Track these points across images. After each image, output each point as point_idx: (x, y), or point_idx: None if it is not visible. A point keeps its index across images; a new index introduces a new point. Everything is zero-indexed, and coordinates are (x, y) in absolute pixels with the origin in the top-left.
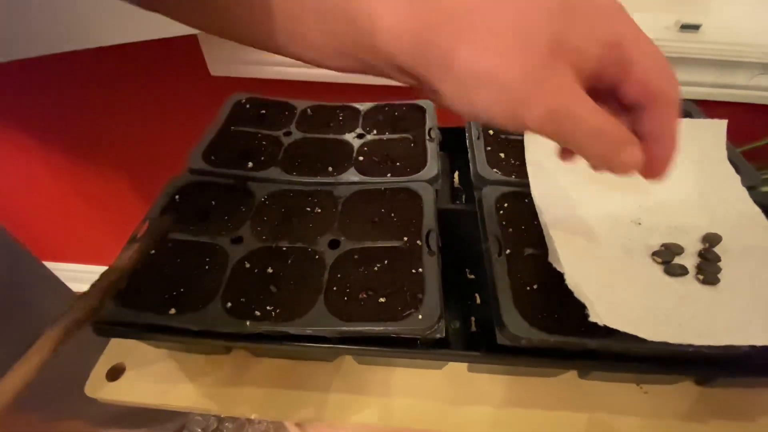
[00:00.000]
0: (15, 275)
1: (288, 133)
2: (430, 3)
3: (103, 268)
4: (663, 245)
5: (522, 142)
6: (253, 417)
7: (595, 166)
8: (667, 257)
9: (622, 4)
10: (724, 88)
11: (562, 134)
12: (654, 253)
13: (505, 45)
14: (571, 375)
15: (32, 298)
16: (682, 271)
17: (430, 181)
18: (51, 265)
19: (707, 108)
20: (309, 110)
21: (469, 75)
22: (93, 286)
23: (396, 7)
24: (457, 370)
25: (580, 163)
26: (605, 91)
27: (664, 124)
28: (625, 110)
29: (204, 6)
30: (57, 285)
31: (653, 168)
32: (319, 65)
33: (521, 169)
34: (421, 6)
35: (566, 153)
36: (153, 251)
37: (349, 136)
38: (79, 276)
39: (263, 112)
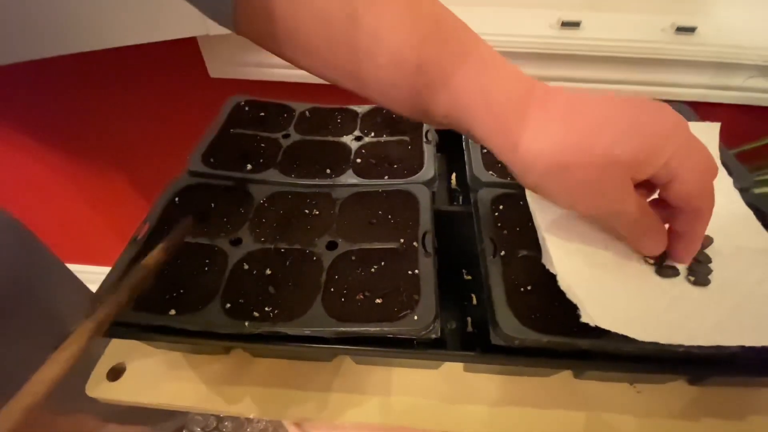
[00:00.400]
0: (33, 272)
1: (287, 136)
2: (528, 108)
3: (102, 269)
4: None
5: None
6: (252, 416)
7: (624, 238)
8: (658, 258)
9: (681, 119)
10: (719, 89)
11: (613, 220)
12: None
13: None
14: (566, 374)
15: (50, 295)
16: (673, 272)
17: (427, 184)
18: None
19: (702, 110)
20: (307, 113)
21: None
22: (123, 282)
23: (543, 144)
24: (453, 369)
25: None
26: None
27: (693, 229)
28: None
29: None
30: (75, 283)
31: (677, 256)
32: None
33: None
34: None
35: None
36: None
37: (347, 139)
38: (79, 276)
39: (262, 114)
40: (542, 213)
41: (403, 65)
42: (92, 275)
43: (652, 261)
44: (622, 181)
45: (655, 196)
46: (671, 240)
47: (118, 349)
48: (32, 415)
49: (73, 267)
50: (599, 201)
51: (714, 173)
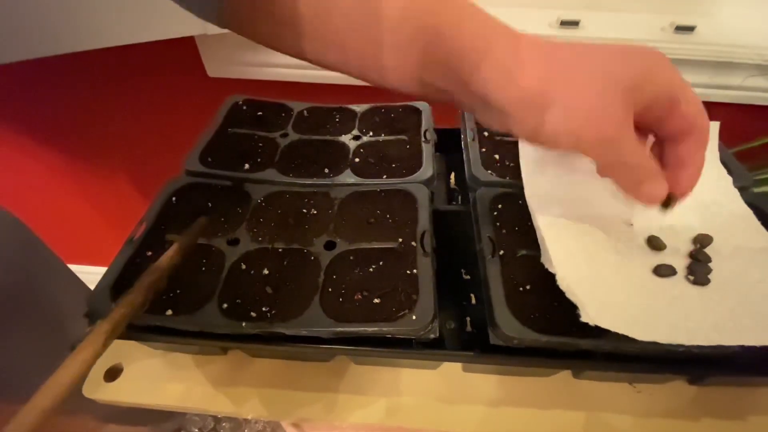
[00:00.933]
0: (35, 272)
1: (285, 135)
2: (526, 53)
3: (99, 269)
4: (647, 240)
5: (516, 144)
6: (249, 417)
7: (625, 190)
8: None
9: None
10: (718, 88)
11: (606, 160)
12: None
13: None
14: (565, 374)
15: (51, 295)
16: (670, 271)
17: (426, 183)
18: None
19: None
20: (305, 112)
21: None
22: (138, 283)
23: (497, 58)
24: (452, 369)
25: (574, 166)
26: (643, 125)
27: (696, 151)
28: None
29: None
30: (76, 283)
31: (680, 186)
32: (398, 90)
33: (515, 171)
34: (516, 55)
35: None
36: (150, 253)
37: (346, 138)
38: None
39: (260, 113)
40: (542, 212)
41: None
42: (90, 276)
43: (663, 208)
44: (623, 104)
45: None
46: (675, 175)
47: (114, 349)
48: (49, 418)
49: (71, 267)
50: (601, 126)
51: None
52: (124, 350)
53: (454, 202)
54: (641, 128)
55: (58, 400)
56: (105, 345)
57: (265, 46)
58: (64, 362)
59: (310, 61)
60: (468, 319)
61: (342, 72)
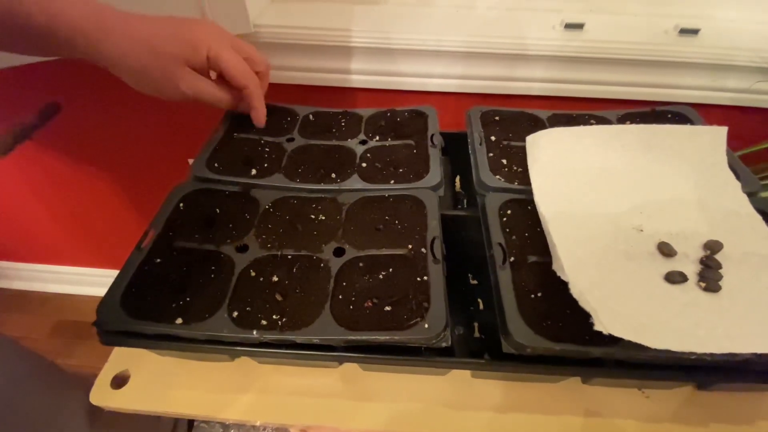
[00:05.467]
0: None
1: (291, 140)
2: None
3: (103, 272)
4: (657, 246)
5: (524, 148)
6: (257, 423)
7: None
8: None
9: (218, 27)
10: (723, 91)
11: (201, 99)
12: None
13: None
14: (574, 380)
15: None
16: (681, 278)
17: (434, 188)
18: (50, 268)
19: (705, 111)
20: (311, 116)
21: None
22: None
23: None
24: (460, 375)
25: (583, 171)
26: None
27: (251, 100)
28: None
29: None
30: None
31: (254, 117)
32: None
33: (524, 176)
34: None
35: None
36: (159, 260)
37: (352, 143)
38: (80, 279)
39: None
40: (552, 218)
41: None
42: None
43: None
44: (176, 67)
45: None
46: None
47: (121, 356)
48: None
49: (76, 270)
50: (165, 83)
51: (237, 45)
52: (131, 357)
53: (460, 206)
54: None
55: None
56: None
57: None
58: None
59: None
60: (476, 324)
61: None
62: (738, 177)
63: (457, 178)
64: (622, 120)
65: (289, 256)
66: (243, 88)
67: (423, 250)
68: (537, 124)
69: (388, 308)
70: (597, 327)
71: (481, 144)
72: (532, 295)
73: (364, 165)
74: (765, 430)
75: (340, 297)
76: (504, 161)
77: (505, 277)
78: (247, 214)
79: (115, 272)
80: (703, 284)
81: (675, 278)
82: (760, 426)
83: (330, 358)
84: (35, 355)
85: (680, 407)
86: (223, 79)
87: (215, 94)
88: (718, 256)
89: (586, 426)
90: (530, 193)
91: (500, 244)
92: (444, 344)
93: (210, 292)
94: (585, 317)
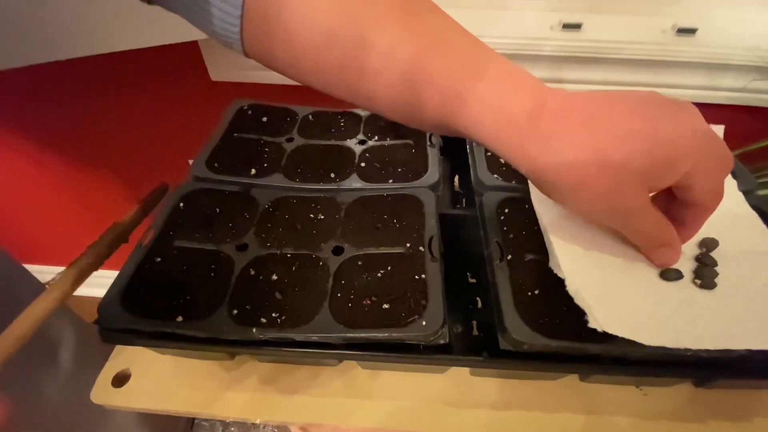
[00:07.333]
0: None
1: (290, 140)
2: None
3: (104, 272)
4: None
5: None
6: (258, 421)
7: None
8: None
9: (701, 121)
10: (719, 90)
11: (620, 228)
12: None
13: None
14: (572, 377)
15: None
16: (677, 275)
17: (432, 188)
18: (51, 269)
19: (702, 110)
20: (311, 116)
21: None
22: (101, 238)
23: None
24: (459, 373)
25: None
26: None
27: (699, 218)
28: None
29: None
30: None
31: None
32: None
33: (521, 175)
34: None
35: None
36: (159, 259)
37: (351, 142)
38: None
39: (265, 118)
40: (548, 217)
41: (413, 82)
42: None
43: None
44: (637, 194)
45: None
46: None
47: (122, 355)
48: (21, 346)
49: None
50: (614, 213)
51: (730, 167)
52: (131, 356)
53: (459, 206)
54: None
55: (31, 331)
56: (71, 289)
57: (284, 75)
58: (37, 299)
59: (317, 88)
60: (474, 322)
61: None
62: (734, 175)
63: (456, 178)
64: None
65: (289, 255)
66: (704, 208)
67: (421, 248)
68: None
69: (386, 306)
70: (592, 324)
71: (479, 144)
72: (529, 293)
73: (363, 165)
74: (762, 426)
75: (339, 295)
76: (502, 161)
77: (502, 275)
78: (246, 214)
79: (115, 273)
80: (698, 281)
81: (670, 276)
82: (758, 423)
83: (329, 355)
84: None
85: (678, 404)
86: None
87: (650, 229)
88: (713, 254)
89: (584, 423)
90: (527, 192)
91: (497, 242)
92: (442, 341)
93: (210, 290)
94: (581, 314)
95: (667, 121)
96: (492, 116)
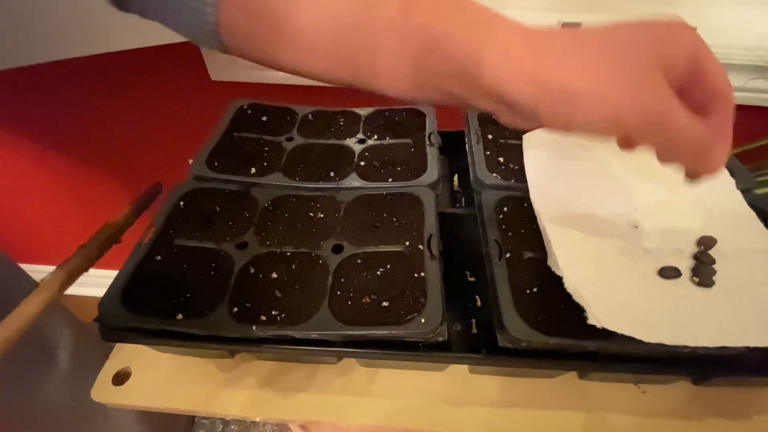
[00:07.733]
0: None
1: (290, 139)
2: (540, 46)
3: (102, 272)
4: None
5: (520, 146)
6: (257, 419)
7: (687, 166)
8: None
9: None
10: None
11: (661, 137)
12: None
13: (609, 66)
14: (571, 375)
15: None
16: (675, 273)
17: (431, 186)
18: (48, 269)
19: None
20: (310, 115)
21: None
22: (91, 239)
23: (507, 51)
24: (458, 371)
25: (577, 168)
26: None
27: (725, 123)
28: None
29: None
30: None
31: (720, 162)
32: (396, 96)
33: (520, 174)
34: (531, 49)
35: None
36: (159, 257)
37: (351, 141)
38: (80, 279)
39: (265, 117)
40: (547, 215)
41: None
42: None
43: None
44: (661, 85)
45: None
46: None
47: (122, 353)
48: (8, 349)
49: None
50: (647, 119)
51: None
52: (131, 354)
53: (458, 205)
54: None
55: (18, 334)
56: (60, 290)
57: (262, 64)
58: (24, 301)
59: (301, 74)
60: (473, 320)
61: (334, 82)
62: (732, 174)
63: (455, 177)
64: None
65: (288, 253)
66: (727, 104)
67: (420, 246)
68: None
69: (385, 304)
70: (591, 321)
71: (478, 142)
72: (528, 291)
73: (362, 164)
74: (760, 424)
75: (339, 293)
76: (500, 159)
77: (501, 273)
78: (246, 212)
79: (114, 272)
80: (696, 279)
81: (669, 273)
82: (756, 420)
83: (329, 353)
84: None
85: (676, 402)
86: None
87: (691, 126)
88: (711, 252)
89: (582, 421)
90: (526, 190)
91: (496, 241)
92: (440, 338)
93: (210, 288)
94: (579, 312)
95: (652, 21)
96: (507, 62)
